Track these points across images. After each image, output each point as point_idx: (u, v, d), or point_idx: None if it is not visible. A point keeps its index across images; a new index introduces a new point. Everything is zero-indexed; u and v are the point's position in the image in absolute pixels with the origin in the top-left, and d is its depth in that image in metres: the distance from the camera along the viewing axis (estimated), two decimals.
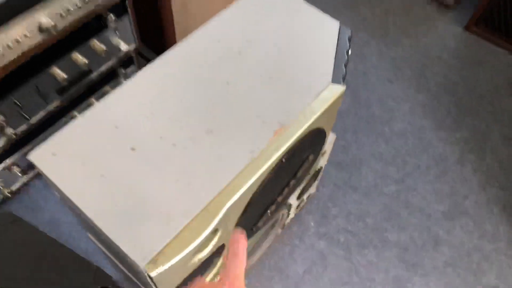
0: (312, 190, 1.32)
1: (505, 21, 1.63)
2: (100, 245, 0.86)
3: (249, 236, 0.88)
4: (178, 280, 0.68)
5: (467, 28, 1.73)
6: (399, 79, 1.62)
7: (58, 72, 1.10)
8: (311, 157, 0.85)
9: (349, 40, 0.83)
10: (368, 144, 1.47)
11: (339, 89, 0.76)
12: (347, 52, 0.81)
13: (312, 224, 1.32)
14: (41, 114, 1.14)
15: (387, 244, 1.29)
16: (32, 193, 1.30)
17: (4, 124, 1.05)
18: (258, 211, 0.81)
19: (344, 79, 0.79)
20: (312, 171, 0.98)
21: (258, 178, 0.68)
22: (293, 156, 0.76)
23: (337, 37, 0.82)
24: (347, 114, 1.53)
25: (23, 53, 0.99)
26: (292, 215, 1.28)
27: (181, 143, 0.69)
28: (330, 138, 1.10)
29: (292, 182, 0.85)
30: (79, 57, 1.12)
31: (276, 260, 1.25)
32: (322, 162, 1.16)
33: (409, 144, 1.48)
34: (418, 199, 1.37)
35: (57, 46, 1.06)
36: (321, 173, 1.25)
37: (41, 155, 0.67)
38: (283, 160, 0.72)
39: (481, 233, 1.32)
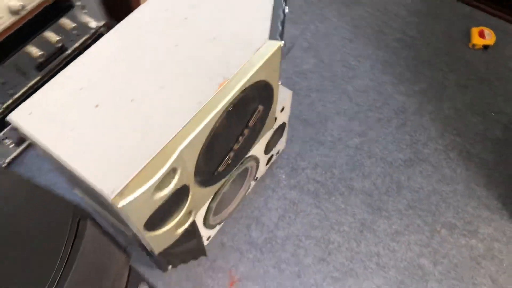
0: (281, 146, 1.43)
1: None
2: (86, 198, 0.98)
3: (214, 181, 0.99)
4: (146, 214, 0.79)
5: None
6: (359, 37, 1.71)
7: (35, 50, 1.19)
8: (260, 108, 0.95)
9: (285, 1, 0.92)
10: (332, 101, 1.58)
11: (276, 44, 0.86)
12: (283, 11, 0.91)
13: (283, 177, 1.44)
14: (24, 90, 1.24)
15: (352, 191, 1.41)
16: (26, 164, 1.40)
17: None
18: (215, 156, 0.91)
19: (281, 36, 0.89)
20: (269, 123, 1.09)
21: (207, 124, 0.79)
22: (240, 106, 0.87)
23: None
24: (311, 75, 1.63)
25: None
26: (263, 169, 1.40)
27: (138, 98, 0.80)
28: (286, 93, 1.20)
29: (246, 131, 0.95)
30: (51, 35, 1.22)
31: (252, 210, 1.37)
32: (284, 117, 1.26)
33: (371, 99, 1.58)
34: (380, 149, 1.48)
35: (29, 26, 1.15)
36: (286, 129, 1.36)
37: (19, 115, 0.78)
38: (230, 108, 0.83)
39: (439, 177, 1.44)
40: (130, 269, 1.02)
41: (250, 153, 1.17)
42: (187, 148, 0.78)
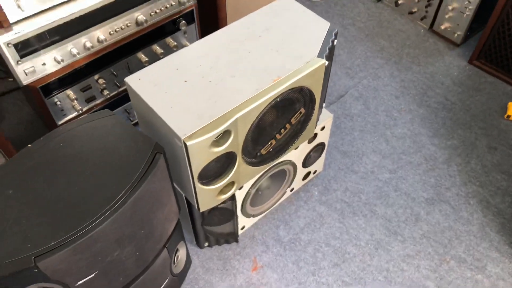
0: (318, 168, 1.68)
1: (501, 56, 1.94)
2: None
3: (256, 162, 1.26)
4: (203, 162, 1.07)
5: (470, 61, 2.06)
6: (405, 96, 1.96)
7: (143, 57, 1.58)
8: (302, 110, 1.23)
9: (336, 35, 1.23)
10: (371, 141, 1.81)
11: (321, 61, 1.15)
12: (333, 41, 1.21)
13: (316, 193, 1.66)
14: None
15: (374, 215, 1.60)
16: None
17: (104, 86, 1.54)
18: (261, 137, 1.19)
19: (327, 58, 1.18)
20: (308, 131, 1.35)
21: (260, 104, 1.08)
22: (286, 101, 1.15)
23: (326, 31, 1.22)
24: (357, 118, 1.89)
25: (122, 39, 1.49)
26: (300, 183, 1.63)
27: (215, 81, 1.11)
28: (327, 115, 1.47)
29: (288, 126, 1.23)
30: (158, 48, 1.61)
31: (283, 214, 1.60)
32: (323, 137, 1.52)
33: (406, 145, 1.80)
34: (406, 186, 1.67)
35: (144, 39, 1.55)
36: (325, 152, 1.61)
37: (132, 79, 1.12)
38: (278, 99, 1.12)
39: (456, 217, 1.59)
40: (178, 222, 1.28)
41: (289, 158, 1.43)
42: (242, 118, 1.06)
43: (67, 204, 0.94)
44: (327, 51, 1.19)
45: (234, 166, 1.18)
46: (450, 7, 2.05)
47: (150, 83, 1.11)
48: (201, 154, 1.05)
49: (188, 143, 1.00)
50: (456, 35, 2.11)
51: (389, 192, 1.66)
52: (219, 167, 1.17)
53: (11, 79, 1.96)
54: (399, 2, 2.27)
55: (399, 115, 1.90)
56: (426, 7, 2.16)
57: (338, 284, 1.44)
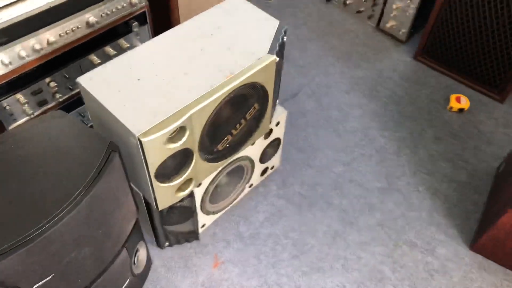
0: (276, 163, 1.72)
1: (442, 52, 2.07)
2: None
3: (213, 159, 1.28)
4: (159, 159, 1.08)
5: (414, 57, 2.18)
6: (355, 91, 2.05)
7: (95, 58, 1.57)
8: (256, 106, 1.26)
9: (285, 32, 1.27)
10: (324, 136, 1.87)
11: (272, 57, 1.19)
12: (282, 37, 1.26)
13: (274, 188, 1.70)
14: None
15: (331, 206, 1.65)
16: None
17: (56, 89, 1.51)
18: (216, 133, 1.21)
19: (277, 54, 1.22)
20: (263, 127, 1.38)
21: (213, 100, 1.10)
22: (240, 97, 1.18)
23: (276, 28, 1.26)
24: (310, 114, 1.95)
25: (73, 41, 1.47)
26: (258, 178, 1.67)
27: (168, 78, 1.13)
28: (281, 111, 1.52)
29: (243, 121, 1.26)
30: (110, 50, 1.60)
31: (243, 210, 1.63)
32: (279, 133, 1.57)
33: (357, 138, 1.87)
34: (359, 177, 1.74)
35: (96, 40, 1.53)
36: (281, 147, 1.65)
37: (83, 79, 1.11)
38: (232, 95, 1.14)
39: (407, 205, 1.67)
40: (137, 221, 1.28)
41: (246, 154, 1.46)
42: (196, 114, 1.08)
43: (19, 206, 0.93)
44: (277, 47, 1.23)
45: (191, 163, 1.20)
46: (394, 6, 2.15)
47: (102, 82, 1.11)
48: (156, 151, 1.06)
49: (143, 140, 1.01)
50: (401, 32, 2.22)
51: (343, 183, 1.72)
52: (176, 164, 1.18)
53: None
54: (347, 2, 2.36)
55: (350, 110, 1.97)
56: (372, 6, 2.26)
57: (298, 275, 1.48)
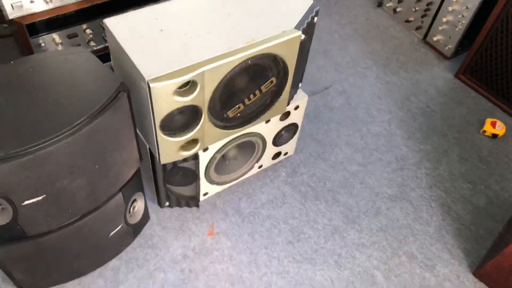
0: (290, 150, 1.70)
1: (486, 73, 1.98)
2: None
3: (223, 124, 1.28)
4: (166, 109, 1.10)
5: (456, 75, 2.10)
6: (387, 97, 1.99)
7: None
8: (274, 80, 1.26)
9: (316, 12, 1.26)
10: (346, 134, 1.84)
11: (296, 32, 1.19)
12: (313, 17, 1.25)
13: (283, 174, 1.68)
14: None
15: (336, 202, 1.62)
16: None
17: (91, 37, 1.57)
18: (228, 98, 1.21)
19: (304, 32, 1.21)
20: (280, 106, 1.37)
21: (229, 63, 1.11)
22: (258, 66, 1.18)
23: (308, 7, 1.25)
24: (337, 111, 1.92)
25: None
26: (269, 162, 1.66)
27: (190, 34, 1.14)
28: (302, 95, 1.50)
29: (258, 93, 1.25)
30: None
31: (247, 188, 1.62)
32: (297, 117, 1.55)
33: (379, 143, 1.82)
34: (372, 181, 1.70)
35: None
36: (297, 134, 1.63)
37: (110, 22, 1.15)
38: (249, 62, 1.15)
39: (416, 217, 1.61)
40: (138, 171, 1.30)
41: (258, 130, 1.45)
42: (209, 72, 1.09)
43: (23, 122, 0.97)
44: (305, 25, 1.22)
45: (198, 123, 1.21)
46: (444, 19, 2.09)
47: (127, 27, 1.14)
48: (164, 100, 1.08)
49: (152, 85, 1.03)
50: (447, 48, 2.15)
51: (354, 183, 1.68)
52: (184, 121, 1.19)
53: (6, 25, 1.99)
54: (398, 9, 2.31)
55: (378, 114, 1.93)
56: (422, 17, 2.20)
57: (289, 260, 1.46)
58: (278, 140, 1.57)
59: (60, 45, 1.51)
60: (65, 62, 1.10)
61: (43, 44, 1.49)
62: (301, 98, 1.49)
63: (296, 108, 1.50)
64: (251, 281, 1.41)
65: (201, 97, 1.13)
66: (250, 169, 1.61)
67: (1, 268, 1.19)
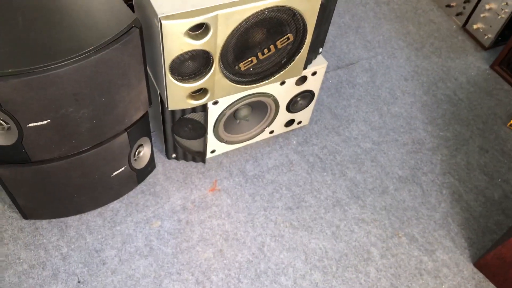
0: (304, 120, 1.68)
1: None
2: None
3: (233, 77, 1.27)
4: (177, 50, 1.09)
5: (491, 66, 2.00)
6: (414, 80, 1.93)
7: None
8: (290, 36, 1.23)
9: None
10: (365, 111, 1.79)
11: None
12: None
13: (294, 142, 1.67)
14: None
15: (343, 176, 1.59)
16: None
17: None
18: (241, 49, 1.20)
19: None
20: (295, 67, 1.35)
21: (244, 10, 1.09)
22: (275, 19, 1.16)
23: None
24: (359, 87, 1.87)
25: None
26: (281, 129, 1.64)
27: None
28: (322, 61, 1.47)
29: (272, 48, 1.23)
30: None
31: (255, 152, 1.62)
32: (314, 84, 1.52)
33: (398, 124, 1.77)
34: (384, 160, 1.66)
35: None
36: (313, 102, 1.60)
37: None
38: (266, 12, 1.12)
39: (423, 201, 1.56)
40: (146, 115, 1.31)
41: (272, 92, 1.44)
42: (223, 17, 1.08)
43: (35, 43, 0.99)
44: None
45: (209, 71, 1.20)
46: (487, 6, 1.98)
47: None
48: (175, 40, 1.08)
49: (163, 22, 1.03)
50: (486, 37, 2.04)
51: (365, 160, 1.65)
52: (195, 67, 1.19)
53: None
54: None
55: (402, 95, 1.87)
56: (465, 2, 2.10)
57: (286, 225, 1.45)
58: (292, 106, 1.55)
59: None
60: None
61: None
62: (320, 64, 1.46)
63: (314, 74, 1.48)
64: (245, 239, 1.41)
65: (213, 43, 1.13)
66: (261, 132, 1.60)
67: (5, 191, 1.24)
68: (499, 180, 1.64)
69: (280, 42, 1.24)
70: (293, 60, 1.32)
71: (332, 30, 2.06)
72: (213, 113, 1.40)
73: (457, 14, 2.17)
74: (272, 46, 1.23)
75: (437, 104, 1.86)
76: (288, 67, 1.34)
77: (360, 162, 1.64)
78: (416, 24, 2.18)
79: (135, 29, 1.06)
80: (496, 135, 1.78)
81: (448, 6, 2.19)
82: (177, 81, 1.19)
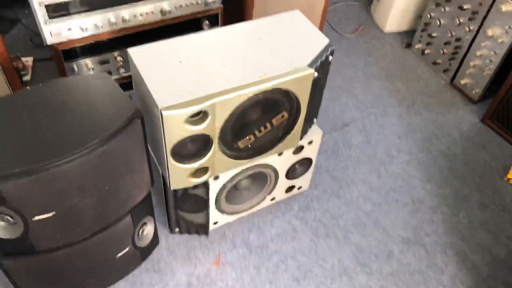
0: (304, 185, 1.70)
1: None
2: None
3: (233, 154, 1.30)
4: (178, 136, 1.13)
5: (482, 120, 2.05)
6: (408, 138, 1.97)
7: None
8: (285, 114, 1.28)
9: (332, 52, 1.29)
10: (363, 172, 1.82)
11: (309, 70, 1.21)
12: (327, 56, 1.27)
13: (295, 208, 1.68)
14: None
15: (348, 241, 1.59)
16: None
17: (121, 64, 1.66)
18: (239, 129, 1.24)
19: (317, 70, 1.23)
20: (291, 140, 1.39)
21: (240, 95, 1.14)
22: (269, 100, 1.21)
23: (324, 46, 1.28)
24: (355, 148, 1.91)
25: (144, 24, 1.61)
26: (283, 195, 1.66)
27: (206, 66, 1.19)
28: (317, 131, 1.51)
29: (268, 126, 1.28)
30: None
31: (258, 220, 1.62)
32: (311, 153, 1.56)
33: (397, 184, 1.79)
34: (386, 222, 1.66)
35: (165, 29, 1.67)
36: (312, 168, 1.63)
37: (134, 51, 1.22)
38: (261, 95, 1.18)
39: (429, 263, 1.56)
40: (149, 195, 1.33)
41: (270, 163, 1.47)
42: (220, 104, 1.13)
43: (41, 139, 1.03)
44: (319, 64, 1.25)
45: (209, 151, 1.24)
46: (471, 63, 2.07)
47: (148, 57, 1.20)
48: (175, 127, 1.12)
49: (164, 113, 1.07)
50: (474, 91, 2.11)
51: (368, 223, 1.65)
52: (195, 149, 1.23)
53: None
54: (426, 51, 2.31)
55: (398, 154, 1.90)
56: (450, 60, 2.18)
57: None
58: (291, 173, 1.58)
59: (91, 70, 1.60)
60: (88, 86, 1.17)
61: (76, 69, 1.58)
62: (315, 133, 1.50)
63: (310, 143, 1.51)
64: None
65: (212, 126, 1.17)
66: (262, 200, 1.62)
67: (9, 280, 1.23)
68: (503, 237, 1.65)
69: (276, 120, 1.28)
70: (289, 134, 1.36)
71: (324, 93, 2.11)
72: (215, 187, 1.42)
73: (444, 71, 2.25)
74: (268, 124, 1.28)
75: (433, 161, 1.89)
76: (285, 140, 1.38)
77: (362, 225, 1.65)
78: (405, 81, 2.25)
79: (137, 119, 1.10)
80: (494, 189, 1.80)
81: (435, 63, 2.28)
82: (179, 162, 1.22)
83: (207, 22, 1.73)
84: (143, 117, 1.12)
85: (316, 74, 1.23)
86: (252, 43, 1.27)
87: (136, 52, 1.22)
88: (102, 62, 1.64)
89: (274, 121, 1.28)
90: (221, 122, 1.18)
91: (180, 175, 1.26)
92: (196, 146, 1.22)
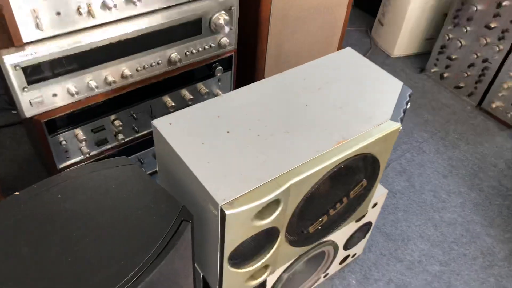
0: (358, 251, 1.41)
1: None
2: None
3: (300, 242, 1.00)
4: (241, 237, 0.82)
5: None
6: (453, 176, 1.73)
7: (169, 101, 1.38)
8: (364, 183, 0.99)
9: (409, 96, 1.02)
10: (417, 225, 1.55)
11: (396, 125, 0.94)
12: (407, 103, 1.00)
13: (353, 282, 1.38)
14: (147, 131, 1.41)
15: None
16: None
17: (120, 129, 1.32)
18: (311, 211, 0.94)
19: (401, 120, 0.96)
20: (364, 207, 1.10)
21: (319, 170, 0.84)
22: (348, 170, 0.92)
23: (400, 91, 1.02)
24: (401, 196, 1.64)
25: (149, 78, 1.29)
26: (336, 267, 1.36)
27: (264, 135, 0.89)
28: (382, 191, 1.23)
29: (345, 200, 0.98)
30: (187, 93, 1.41)
31: None
32: (373, 216, 1.27)
33: (457, 233, 1.54)
34: (461, 284, 1.39)
35: (174, 80, 1.35)
36: (369, 232, 1.35)
37: (161, 122, 0.89)
38: (341, 166, 0.88)
39: None
40: None
41: (332, 238, 1.17)
42: (295, 186, 0.82)
43: (56, 280, 0.68)
44: (401, 113, 0.98)
45: (274, 245, 0.92)
46: (505, 85, 1.88)
47: (183, 130, 0.89)
48: (240, 228, 0.80)
49: (227, 212, 0.75)
50: (509, 115, 1.92)
51: None
52: (254, 246, 0.91)
53: (15, 112, 1.76)
54: (445, 75, 2.11)
55: (448, 197, 1.65)
56: (476, 83, 1.99)
57: None
58: (350, 243, 1.29)
59: (83, 142, 1.26)
60: (104, 182, 0.83)
61: (64, 142, 1.23)
62: (380, 193, 1.23)
63: (374, 205, 1.23)
64: None
65: (283, 215, 0.86)
66: (316, 281, 1.31)
67: None
68: None
69: (354, 191, 0.99)
70: (363, 202, 1.08)
71: None
72: (269, 281, 1.10)
73: (469, 95, 2.05)
74: (345, 198, 0.99)
75: (488, 200, 1.66)
76: (357, 211, 1.09)
77: None
78: (430, 110, 2.03)
79: (186, 224, 0.78)
80: None
81: (457, 87, 2.08)
82: (236, 268, 0.90)
83: (220, 67, 1.43)
84: (193, 218, 0.79)
85: (401, 128, 0.96)
86: (311, 97, 0.98)
87: (164, 125, 0.90)
88: (96, 130, 1.29)
89: (351, 193, 0.99)
90: (292, 208, 0.88)
91: (235, 281, 0.94)
92: (257, 242, 0.91)
